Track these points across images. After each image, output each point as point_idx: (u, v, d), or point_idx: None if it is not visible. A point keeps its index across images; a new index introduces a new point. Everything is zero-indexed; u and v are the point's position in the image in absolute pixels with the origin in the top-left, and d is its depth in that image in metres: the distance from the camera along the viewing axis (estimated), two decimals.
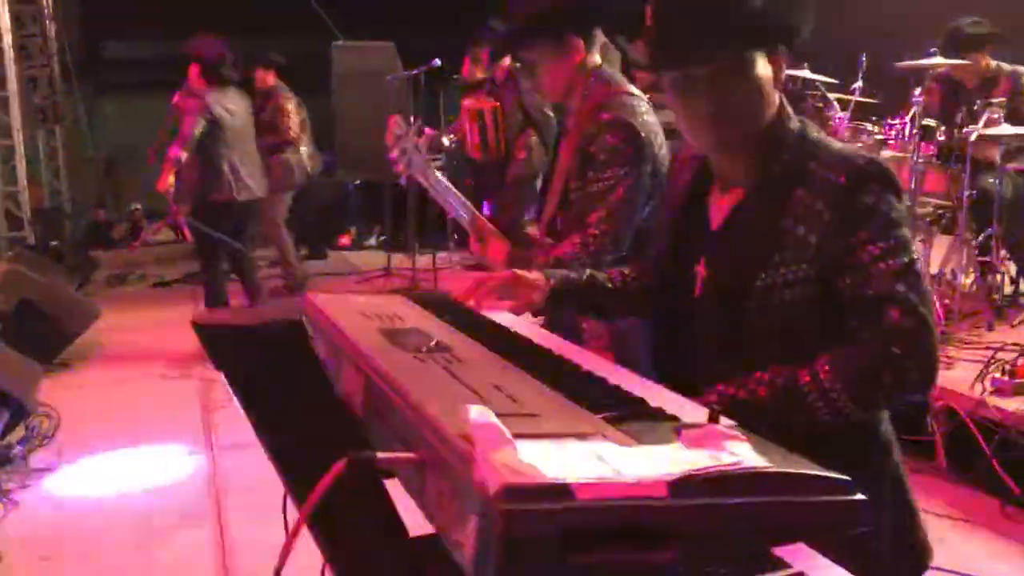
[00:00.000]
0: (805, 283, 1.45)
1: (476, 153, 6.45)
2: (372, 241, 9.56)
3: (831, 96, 5.56)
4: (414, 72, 6.56)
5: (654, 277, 1.80)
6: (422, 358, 1.17)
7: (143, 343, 6.08)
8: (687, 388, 1.19)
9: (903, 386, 1.38)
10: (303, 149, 7.08)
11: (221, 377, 1.24)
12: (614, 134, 2.29)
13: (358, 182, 9.57)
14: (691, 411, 1.02)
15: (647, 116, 2.36)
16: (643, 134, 2.30)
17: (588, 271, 1.88)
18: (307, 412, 1.17)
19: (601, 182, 2.30)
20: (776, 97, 1.53)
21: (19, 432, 4.25)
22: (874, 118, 5.34)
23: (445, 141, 7.22)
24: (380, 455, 0.93)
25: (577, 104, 2.42)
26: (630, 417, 0.96)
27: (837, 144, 1.55)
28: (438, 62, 6.42)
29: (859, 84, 5.67)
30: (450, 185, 2.57)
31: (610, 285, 1.84)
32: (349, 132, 9.21)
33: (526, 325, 1.54)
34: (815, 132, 1.56)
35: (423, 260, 7.28)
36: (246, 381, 1.14)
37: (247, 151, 5.91)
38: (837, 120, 5.34)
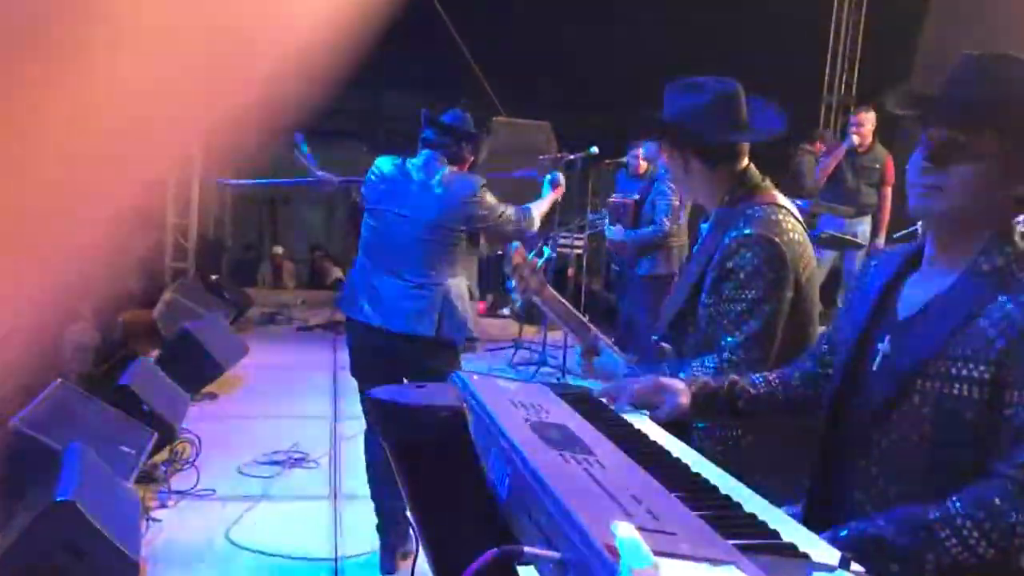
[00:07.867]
0: (975, 384, 1.44)
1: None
2: (506, 311, 9.76)
3: None
4: (570, 157, 6.75)
5: (810, 378, 1.86)
6: (567, 459, 1.26)
7: (283, 382, 6.41)
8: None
9: None
10: None
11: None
12: (756, 252, 2.12)
13: (499, 252, 9.85)
14: (823, 551, 1.06)
15: (793, 233, 2.18)
16: (788, 256, 2.14)
17: (730, 378, 1.92)
18: (458, 495, 1.28)
19: (738, 303, 2.13)
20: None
21: (163, 455, 4.56)
22: None
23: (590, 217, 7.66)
24: (527, 550, 1.03)
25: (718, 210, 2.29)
26: (763, 549, 1.02)
27: None
28: (595, 150, 6.59)
29: None
30: (568, 304, 2.47)
31: (752, 391, 1.89)
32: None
33: (663, 435, 1.61)
34: None
35: (555, 335, 7.41)
36: (408, 458, 1.25)
37: None
38: None
